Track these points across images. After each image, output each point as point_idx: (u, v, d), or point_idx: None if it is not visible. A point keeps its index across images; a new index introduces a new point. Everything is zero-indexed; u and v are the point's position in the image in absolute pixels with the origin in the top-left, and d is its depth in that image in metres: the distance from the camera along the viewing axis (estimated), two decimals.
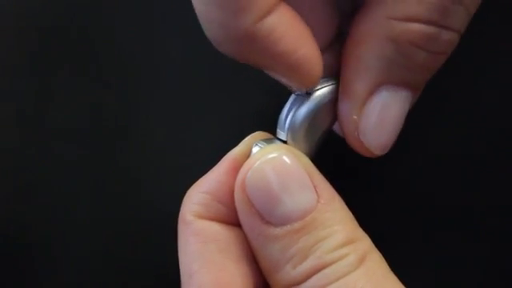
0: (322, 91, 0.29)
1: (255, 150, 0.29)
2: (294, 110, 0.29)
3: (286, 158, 0.27)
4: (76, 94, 0.39)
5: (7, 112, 0.39)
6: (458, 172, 0.38)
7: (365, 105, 0.28)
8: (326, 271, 0.26)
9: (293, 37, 0.26)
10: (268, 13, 0.26)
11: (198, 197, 0.29)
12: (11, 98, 0.39)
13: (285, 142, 0.29)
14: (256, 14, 0.25)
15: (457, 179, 0.38)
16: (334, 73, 0.29)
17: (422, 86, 0.30)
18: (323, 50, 0.29)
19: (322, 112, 0.29)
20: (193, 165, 0.36)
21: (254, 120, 0.38)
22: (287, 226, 0.27)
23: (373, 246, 0.28)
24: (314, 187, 0.27)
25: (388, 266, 0.28)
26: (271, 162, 0.27)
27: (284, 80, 0.28)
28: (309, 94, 0.29)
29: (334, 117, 0.29)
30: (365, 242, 0.27)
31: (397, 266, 0.28)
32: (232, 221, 0.29)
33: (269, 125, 0.31)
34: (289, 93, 0.30)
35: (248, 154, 0.29)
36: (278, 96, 0.31)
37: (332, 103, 0.29)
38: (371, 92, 0.28)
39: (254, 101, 0.39)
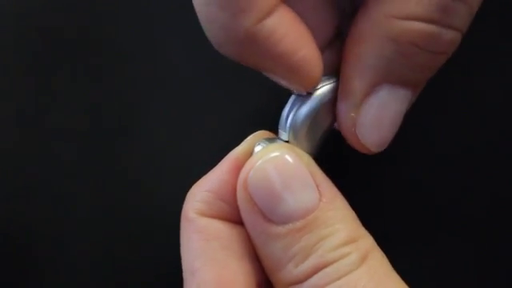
0: (323, 90, 0.29)
1: (257, 148, 0.29)
2: (295, 109, 0.29)
3: (288, 157, 0.27)
4: (76, 94, 0.39)
5: (7, 112, 0.39)
6: (459, 172, 0.38)
7: (363, 103, 0.28)
8: (327, 270, 0.26)
9: (293, 38, 0.26)
10: (268, 14, 0.26)
11: (201, 195, 0.29)
12: (11, 97, 0.39)
13: (287, 141, 0.29)
14: (256, 16, 0.25)
15: (458, 179, 0.38)
16: (334, 71, 0.29)
17: (422, 85, 0.29)
18: (323, 48, 0.29)
19: (323, 111, 0.29)
20: (193, 165, 0.37)
21: (254, 120, 0.38)
22: (289, 225, 0.27)
23: (375, 244, 0.28)
24: (316, 186, 0.27)
25: (390, 265, 0.28)
26: (273, 160, 0.27)
27: (284, 82, 0.28)
28: (309, 93, 0.29)
29: (335, 115, 0.29)
30: (367, 241, 0.27)
31: (397, 265, 0.28)
32: (235, 219, 0.29)
33: (269, 125, 0.31)
34: (289, 93, 0.30)
35: (250, 153, 0.29)
36: (278, 96, 0.31)
37: (333, 102, 0.29)
38: (370, 90, 0.28)
39: (254, 101, 0.39)
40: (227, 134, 0.36)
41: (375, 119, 0.29)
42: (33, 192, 0.39)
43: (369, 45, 0.28)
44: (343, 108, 0.29)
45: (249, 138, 0.30)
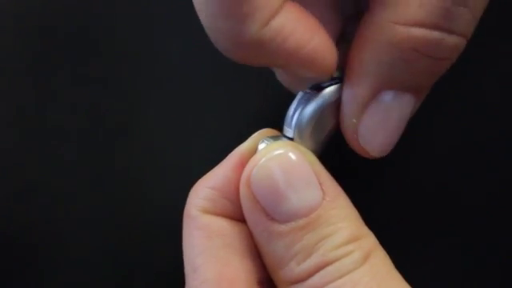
0: (330, 89, 0.29)
1: (261, 146, 0.29)
2: (301, 107, 0.29)
3: (291, 155, 0.27)
4: (76, 93, 0.39)
5: (7, 112, 0.39)
6: (459, 173, 0.38)
7: (366, 109, 0.28)
8: (329, 268, 0.26)
9: (301, 32, 0.26)
10: (273, 16, 0.26)
11: (204, 192, 0.29)
12: (11, 97, 0.39)
13: (291, 139, 0.29)
14: (261, 20, 0.25)
15: (458, 179, 0.38)
16: (340, 73, 0.29)
17: (425, 91, 0.29)
18: None
19: (329, 110, 0.29)
20: (193, 164, 0.37)
21: (254, 120, 0.38)
22: (292, 223, 0.27)
23: (377, 243, 0.28)
24: (320, 184, 0.27)
25: (392, 264, 0.28)
26: (277, 158, 0.27)
27: (302, 73, 0.28)
28: (316, 91, 0.29)
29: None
30: (370, 240, 0.27)
31: (399, 264, 0.28)
32: (237, 216, 0.29)
33: (269, 125, 0.31)
34: (289, 93, 0.30)
35: (255, 151, 0.29)
36: (279, 96, 0.31)
37: (339, 101, 0.29)
38: (372, 96, 0.28)
39: (254, 101, 0.39)
40: (227, 134, 0.36)
41: (377, 125, 0.29)
42: (33, 192, 0.39)
43: (371, 51, 0.27)
44: (346, 113, 0.29)
45: (253, 135, 0.30)
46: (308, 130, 0.29)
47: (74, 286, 0.40)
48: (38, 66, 0.39)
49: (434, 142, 0.38)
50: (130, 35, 0.39)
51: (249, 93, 0.39)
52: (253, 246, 0.28)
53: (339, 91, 0.29)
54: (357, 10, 0.30)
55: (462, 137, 0.38)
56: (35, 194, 0.39)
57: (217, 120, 0.39)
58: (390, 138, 0.29)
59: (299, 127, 0.29)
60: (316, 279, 0.27)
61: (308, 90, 0.29)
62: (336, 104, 0.29)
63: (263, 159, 0.27)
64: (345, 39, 0.30)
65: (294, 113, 0.29)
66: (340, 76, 0.29)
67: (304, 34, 0.26)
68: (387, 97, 0.28)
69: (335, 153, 0.30)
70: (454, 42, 0.27)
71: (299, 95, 0.29)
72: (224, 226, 0.28)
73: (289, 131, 0.29)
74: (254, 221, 0.28)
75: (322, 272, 0.27)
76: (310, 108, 0.29)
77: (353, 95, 0.28)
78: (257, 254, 0.28)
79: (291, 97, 0.30)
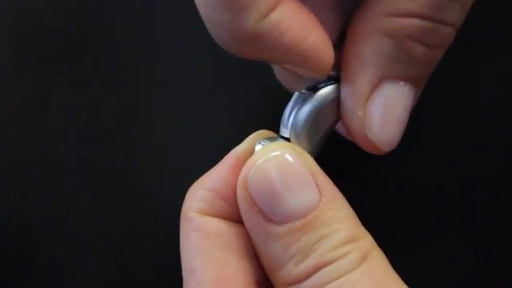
0: (326, 89, 0.29)
1: (258, 147, 0.29)
2: (297, 107, 0.29)
3: (288, 156, 0.27)
4: (76, 93, 0.39)
5: (7, 112, 0.39)
6: (459, 173, 0.38)
7: (368, 101, 0.28)
8: (327, 269, 0.26)
9: (299, 27, 0.26)
10: (271, 9, 0.26)
11: (201, 193, 0.29)
12: (11, 97, 0.39)
13: (288, 139, 0.29)
14: (259, 12, 0.25)
15: (458, 179, 0.38)
16: (338, 73, 0.29)
17: (423, 81, 0.30)
18: None
19: (325, 110, 0.29)
20: (193, 164, 0.37)
21: (254, 120, 0.38)
22: (289, 224, 0.27)
23: (375, 244, 0.28)
24: (317, 185, 0.27)
25: (390, 265, 0.28)
26: (273, 159, 0.27)
27: (299, 70, 0.28)
28: (312, 91, 0.29)
29: (338, 115, 0.29)
30: (367, 240, 0.27)
31: (397, 265, 0.28)
32: (235, 218, 0.29)
33: (269, 125, 0.31)
34: (288, 93, 0.30)
35: (251, 152, 0.29)
36: (279, 96, 0.31)
37: (336, 101, 0.29)
38: (374, 88, 0.28)
39: (254, 101, 0.39)
40: (227, 134, 0.36)
41: (383, 116, 0.29)
42: (33, 192, 0.39)
43: (367, 43, 0.28)
44: (349, 107, 0.29)
45: (250, 136, 0.30)
46: (304, 131, 0.29)
47: (73, 285, 0.40)
48: (38, 66, 0.39)
49: (433, 143, 0.38)
50: (130, 35, 0.39)
51: (249, 93, 0.39)
52: (250, 247, 0.28)
53: (335, 91, 0.29)
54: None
55: (462, 137, 0.38)
56: (35, 194, 0.39)
57: (217, 120, 0.39)
58: (397, 129, 0.29)
59: (295, 128, 0.29)
60: (314, 280, 0.27)
61: (304, 91, 0.29)
62: (332, 105, 0.29)
63: (260, 161, 0.27)
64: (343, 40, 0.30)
65: (290, 113, 0.29)
66: (336, 76, 0.29)
67: (302, 30, 0.27)
68: (388, 87, 0.28)
69: (332, 153, 0.30)
70: (446, 31, 0.28)
71: (295, 96, 0.29)
72: (221, 227, 0.28)
73: (285, 132, 0.29)
74: (251, 222, 0.28)
75: (319, 273, 0.27)
76: (306, 108, 0.29)
77: (353, 89, 0.29)
78: (254, 255, 0.28)
79: (290, 97, 0.30)
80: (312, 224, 0.27)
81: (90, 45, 0.39)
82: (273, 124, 0.30)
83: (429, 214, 0.38)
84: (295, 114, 0.29)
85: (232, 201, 0.28)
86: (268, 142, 0.29)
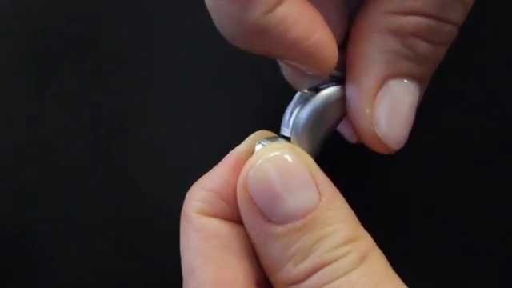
0: (328, 90, 0.29)
1: (258, 147, 0.29)
2: (298, 107, 0.29)
3: (287, 157, 0.27)
4: (76, 93, 0.39)
5: (7, 112, 0.39)
6: (459, 173, 0.38)
7: (375, 98, 0.29)
8: (326, 269, 0.26)
9: (304, 24, 0.27)
10: (278, 3, 0.26)
11: (201, 194, 0.29)
12: (11, 97, 0.39)
13: (288, 139, 0.29)
14: (266, 6, 0.26)
15: (458, 180, 0.38)
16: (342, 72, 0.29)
17: (427, 78, 0.30)
18: None
19: (326, 111, 0.29)
20: (193, 165, 0.37)
21: (254, 120, 0.38)
22: (288, 225, 0.27)
23: (374, 244, 0.28)
24: (316, 186, 0.27)
25: (389, 265, 0.28)
26: (273, 160, 0.27)
27: (302, 67, 0.28)
28: (314, 92, 0.29)
29: (339, 116, 0.29)
30: (366, 241, 0.27)
31: (396, 265, 0.28)
32: (234, 218, 0.28)
33: (269, 125, 0.31)
34: (288, 93, 0.30)
35: (251, 152, 0.29)
36: (279, 96, 0.31)
37: (337, 102, 0.29)
38: (380, 85, 0.28)
39: (254, 101, 0.39)
40: (227, 134, 0.36)
41: (391, 114, 0.29)
42: (33, 192, 0.39)
43: (372, 41, 0.28)
44: (356, 105, 0.29)
45: (250, 136, 0.30)
46: (305, 131, 0.29)
47: (73, 285, 0.40)
48: (38, 65, 0.39)
49: (433, 143, 0.38)
50: (130, 35, 0.39)
51: (249, 93, 0.39)
52: (250, 247, 0.28)
53: (338, 92, 0.29)
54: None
55: (462, 137, 0.38)
56: (35, 194, 0.39)
57: (217, 120, 0.39)
58: (405, 127, 0.29)
59: (296, 127, 0.29)
60: (313, 280, 0.27)
61: (306, 91, 0.29)
62: (334, 105, 0.29)
63: (259, 161, 0.27)
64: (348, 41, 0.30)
65: (291, 113, 0.29)
66: (339, 77, 0.29)
67: (307, 26, 0.27)
68: (394, 85, 0.29)
69: (332, 153, 0.30)
70: (449, 29, 0.28)
71: (297, 95, 0.29)
72: (221, 227, 0.28)
73: (286, 131, 0.29)
74: (251, 223, 0.28)
75: (319, 273, 0.27)
76: (308, 109, 0.29)
77: (359, 87, 0.29)
78: (254, 256, 0.28)
79: (292, 97, 0.30)
80: (311, 224, 0.27)
81: (90, 45, 0.39)
82: (273, 124, 0.30)
83: (429, 214, 0.38)
84: (296, 114, 0.29)
85: (232, 201, 0.28)
86: (268, 142, 0.29)
